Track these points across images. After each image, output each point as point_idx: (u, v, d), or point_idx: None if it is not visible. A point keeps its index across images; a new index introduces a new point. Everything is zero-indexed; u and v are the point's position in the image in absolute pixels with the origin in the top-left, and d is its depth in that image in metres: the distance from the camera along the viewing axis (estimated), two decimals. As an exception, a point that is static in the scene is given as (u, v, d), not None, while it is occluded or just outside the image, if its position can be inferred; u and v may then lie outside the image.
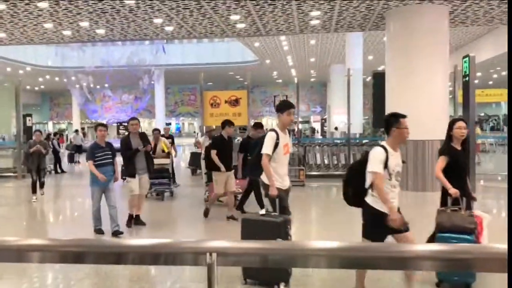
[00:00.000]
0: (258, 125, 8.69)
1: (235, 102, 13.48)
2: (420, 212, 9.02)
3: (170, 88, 37.47)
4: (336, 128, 25.17)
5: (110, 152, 6.91)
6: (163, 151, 11.08)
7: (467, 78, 8.49)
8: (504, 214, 8.25)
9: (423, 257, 1.82)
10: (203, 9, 10.80)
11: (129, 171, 7.27)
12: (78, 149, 21.54)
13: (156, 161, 9.70)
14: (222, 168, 7.60)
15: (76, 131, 25.57)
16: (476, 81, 10.59)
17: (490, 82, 29.59)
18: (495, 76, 28.54)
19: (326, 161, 14.46)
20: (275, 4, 10.50)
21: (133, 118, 7.61)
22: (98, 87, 32.62)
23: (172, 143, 12.89)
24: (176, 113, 38.97)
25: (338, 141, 15.63)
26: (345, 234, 6.74)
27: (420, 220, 8.20)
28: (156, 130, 11.92)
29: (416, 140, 10.82)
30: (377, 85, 13.01)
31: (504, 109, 29.14)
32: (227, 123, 8.03)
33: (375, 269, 4.04)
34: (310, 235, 7.39)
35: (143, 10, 10.96)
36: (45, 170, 11.19)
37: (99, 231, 6.95)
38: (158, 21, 11.92)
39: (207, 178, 9.04)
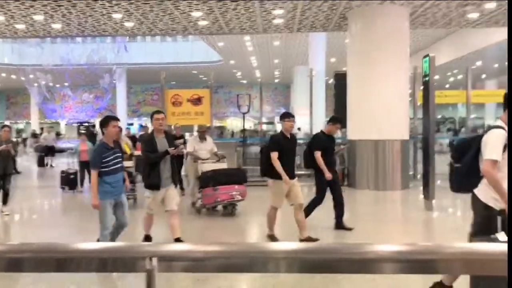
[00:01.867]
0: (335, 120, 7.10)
1: (198, 101, 13.24)
2: (384, 209, 9.10)
3: (132, 88, 36.74)
4: (299, 129, 25.25)
5: (120, 154, 5.34)
6: (125, 152, 10.34)
7: (427, 78, 8.57)
8: (460, 213, 8.38)
9: (388, 259, 1.68)
10: (163, 4, 10.54)
11: (151, 182, 5.59)
12: (49, 151, 18.81)
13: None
14: (285, 176, 5.81)
15: (43, 129, 24.04)
16: (434, 83, 10.76)
17: (447, 86, 30.44)
18: (451, 79, 29.37)
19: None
20: (237, 1, 10.36)
21: (158, 111, 5.86)
22: (57, 85, 31.61)
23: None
24: (138, 113, 38.23)
25: (301, 141, 15.62)
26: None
27: (387, 218, 8.29)
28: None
29: (376, 140, 10.91)
30: (338, 86, 13.06)
31: (460, 112, 29.99)
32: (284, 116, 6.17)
33: (339, 273, 3.88)
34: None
35: (101, 4, 10.60)
36: (11, 176, 8.67)
37: None
38: (117, 16, 11.56)
39: (199, 183, 8.18)
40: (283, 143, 6.02)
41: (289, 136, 6.10)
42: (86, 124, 35.04)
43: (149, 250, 1.71)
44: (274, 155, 5.88)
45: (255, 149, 13.33)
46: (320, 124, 20.43)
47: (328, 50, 22.00)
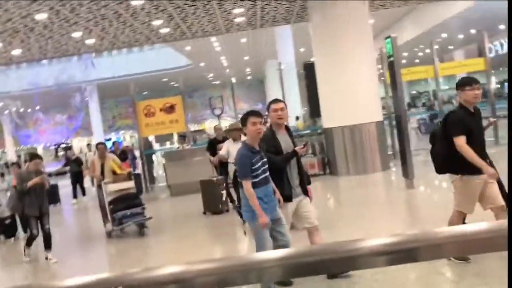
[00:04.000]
0: None
1: (170, 109, 13.15)
2: (366, 193, 9.18)
3: (105, 103, 36.33)
4: (297, 118, 25.29)
5: (265, 159, 4.16)
6: (114, 172, 8.34)
7: (391, 59, 8.66)
8: (440, 189, 8.50)
9: (380, 252, 1.64)
10: (122, 17, 10.42)
11: (284, 191, 4.35)
12: None
13: (116, 186, 7.93)
14: (486, 167, 4.07)
15: (20, 157, 23.66)
16: (403, 61, 10.92)
17: (417, 61, 30.81)
18: (420, 54, 29.72)
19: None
20: (196, 5, 10.30)
21: (276, 100, 4.55)
22: (28, 110, 31.11)
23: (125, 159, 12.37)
24: (115, 128, 37.86)
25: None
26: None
27: (370, 201, 8.36)
28: (100, 144, 8.92)
29: (351, 125, 10.99)
30: (309, 76, 13.13)
31: (432, 85, 30.44)
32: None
33: (325, 273, 3.80)
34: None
35: (59, 25, 10.43)
36: (48, 215, 6.94)
37: None
38: (76, 34, 11.39)
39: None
40: (469, 122, 4.20)
41: (473, 110, 4.30)
42: (64, 145, 34.56)
43: (116, 279, 1.66)
44: (461, 140, 4.10)
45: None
46: (295, 115, 20.53)
47: (296, 41, 22.06)
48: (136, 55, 29.16)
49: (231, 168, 7.16)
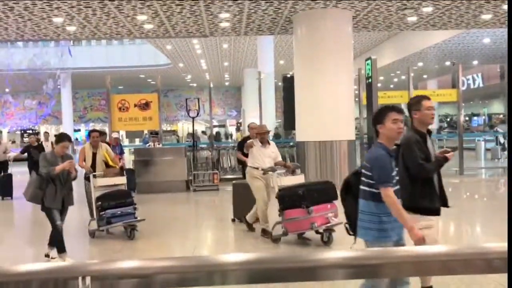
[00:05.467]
0: None
1: (145, 106, 13.03)
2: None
3: (78, 93, 35.64)
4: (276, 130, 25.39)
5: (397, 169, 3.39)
6: (107, 164, 7.32)
7: (370, 80, 8.85)
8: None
9: (338, 265, 1.63)
10: (106, 8, 10.29)
11: (430, 205, 3.66)
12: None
13: (106, 180, 7.08)
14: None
15: None
16: (379, 85, 11.17)
17: (392, 86, 31.56)
18: (395, 80, 30.46)
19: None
20: (183, 5, 10.27)
21: (427, 97, 3.87)
22: (-3, 92, 30.22)
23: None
24: (85, 119, 37.13)
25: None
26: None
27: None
28: (94, 132, 7.61)
29: (324, 141, 11.13)
30: (287, 89, 13.24)
31: (405, 111, 31.26)
32: None
33: (287, 282, 3.83)
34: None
35: (40, 8, 10.21)
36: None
37: None
38: (58, 20, 11.17)
39: (279, 202, 6.16)
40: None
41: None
42: (30, 132, 33.65)
43: (82, 269, 1.61)
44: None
45: (206, 154, 13.29)
46: (270, 126, 20.63)
47: (277, 53, 22.26)
48: (116, 48, 28.79)
49: (250, 174, 6.70)
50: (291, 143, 12.55)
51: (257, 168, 6.62)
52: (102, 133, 8.52)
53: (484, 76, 28.00)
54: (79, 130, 36.78)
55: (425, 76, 30.56)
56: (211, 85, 16.21)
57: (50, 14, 10.65)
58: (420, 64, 24.23)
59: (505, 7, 11.08)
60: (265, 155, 6.63)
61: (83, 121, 37.08)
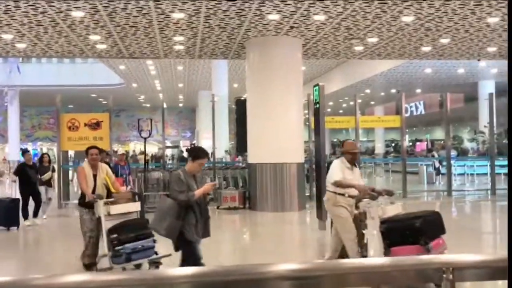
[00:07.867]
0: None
1: (96, 125, 12.88)
2: (281, 230, 9.50)
3: (26, 111, 34.52)
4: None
5: None
6: (109, 191, 6.02)
7: (317, 105, 9.23)
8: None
9: (284, 277, 1.76)
10: (58, 26, 10.24)
11: None
12: None
13: (120, 207, 5.85)
14: None
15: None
16: (328, 109, 11.65)
17: (341, 111, 32.65)
18: (344, 105, 31.55)
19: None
20: (137, 27, 10.39)
21: None
22: None
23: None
24: (32, 138, 35.90)
25: (205, 166, 15.78)
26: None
27: (283, 238, 8.67)
28: (92, 149, 6.11)
29: (274, 163, 11.42)
30: (239, 112, 13.50)
31: (352, 135, 32.30)
32: None
33: None
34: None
35: (-11, 24, 10.03)
36: None
37: None
38: (7, 36, 10.99)
39: (384, 237, 4.95)
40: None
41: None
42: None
43: (19, 283, 1.63)
44: None
45: (157, 175, 13.24)
46: (223, 148, 20.82)
47: (231, 76, 22.61)
48: (67, 66, 28.26)
49: (334, 202, 5.50)
50: (242, 165, 12.78)
51: (343, 195, 5.47)
52: (101, 151, 7.00)
53: (426, 104, 29.56)
54: (26, 149, 35.45)
55: (372, 103, 31.83)
56: (165, 106, 16.25)
57: (0, 30, 10.48)
58: (368, 91, 25.30)
59: (443, 41, 11.93)
60: (356, 180, 5.59)
61: (30, 139, 35.83)
